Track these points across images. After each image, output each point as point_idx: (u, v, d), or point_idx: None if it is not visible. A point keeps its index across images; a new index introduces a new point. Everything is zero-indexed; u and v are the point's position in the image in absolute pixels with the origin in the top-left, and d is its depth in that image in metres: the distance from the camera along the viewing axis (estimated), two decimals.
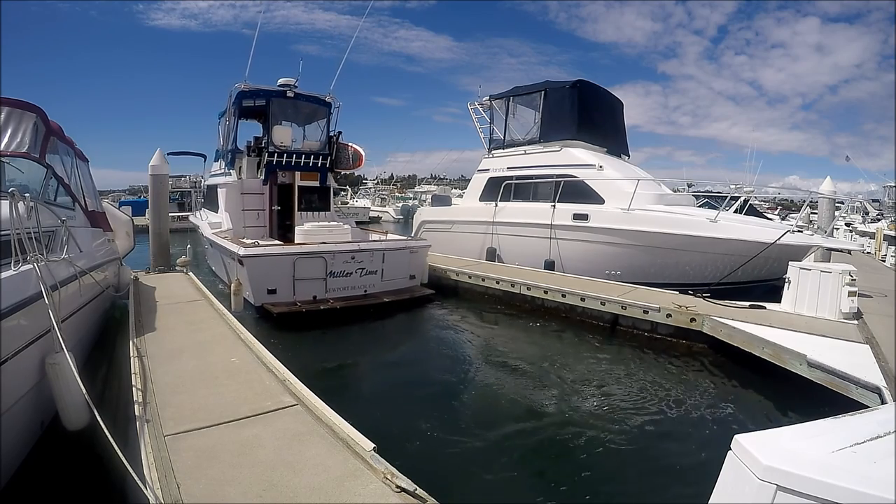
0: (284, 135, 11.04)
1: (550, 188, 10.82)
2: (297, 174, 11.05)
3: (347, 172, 12.61)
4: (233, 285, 7.54)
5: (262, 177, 10.82)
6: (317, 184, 11.38)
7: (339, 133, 11.67)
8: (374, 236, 10.62)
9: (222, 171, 11.92)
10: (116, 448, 2.36)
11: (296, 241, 8.91)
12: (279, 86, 10.92)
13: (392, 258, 8.90)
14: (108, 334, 6.17)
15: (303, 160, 10.93)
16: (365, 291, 8.58)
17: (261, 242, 8.93)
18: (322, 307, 7.78)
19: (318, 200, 11.45)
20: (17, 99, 5.20)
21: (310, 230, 8.89)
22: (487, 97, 13.62)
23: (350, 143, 12.01)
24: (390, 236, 10.53)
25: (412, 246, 9.47)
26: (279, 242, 9.58)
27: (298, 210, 11.08)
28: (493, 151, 13.12)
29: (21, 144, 4.85)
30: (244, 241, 8.66)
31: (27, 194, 3.52)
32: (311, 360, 6.04)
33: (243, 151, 11.29)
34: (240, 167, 11.16)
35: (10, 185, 3.97)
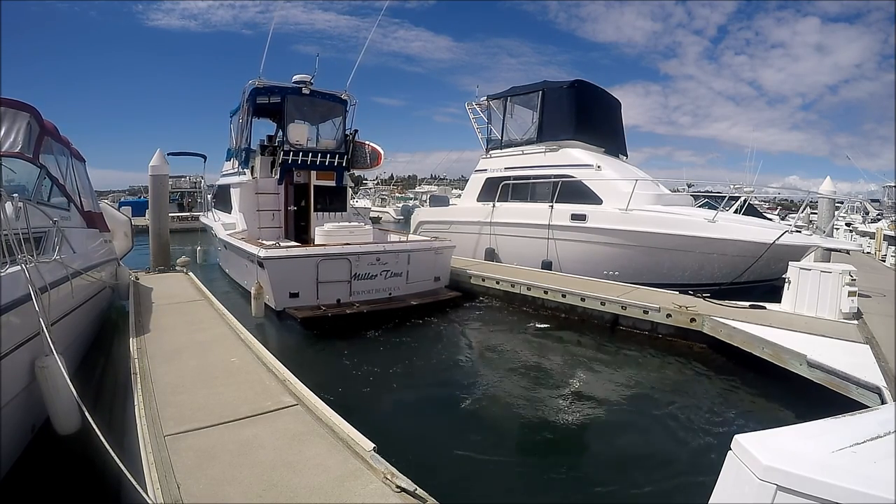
0: (300, 133, 10.81)
1: (548, 188, 10.81)
2: (313, 174, 10.84)
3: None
4: (254, 289, 7.17)
5: (277, 176, 10.59)
6: (333, 183, 11.18)
7: (356, 131, 11.46)
8: (394, 237, 10.35)
9: (235, 170, 11.65)
10: (110, 450, 2.34)
11: (316, 243, 8.66)
12: (294, 82, 10.72)
13: (417, 259, 8.61)
14: (105, 335, 6.15)
15: (318, 159, 10.73)
16: (390, 294, 8.29)
17: (281, 244, 8.65)
18: (348, 311, 7.47)
19: (334, 201, 11.23)
20: (10, 98, 5.10)
21: (331, 231, 8.60)
22: (485, 97, 13.60)
23: (367, 142, 11.79)
24: (413, 237, 10.22)
25: (437, 247, 9.12)
26: (297, 244, 9.34)
27: (314, 210, 10.88)
28: (491, 152, 13.10)
29: (14, 144, 4.76)
30: (264, 242, 8.31)
31: (15, 195, 3.46)
32: (342, 365, 5.94)
33: (256, 150, 11.08)
34: (252, 166, 10.92)
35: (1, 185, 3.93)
